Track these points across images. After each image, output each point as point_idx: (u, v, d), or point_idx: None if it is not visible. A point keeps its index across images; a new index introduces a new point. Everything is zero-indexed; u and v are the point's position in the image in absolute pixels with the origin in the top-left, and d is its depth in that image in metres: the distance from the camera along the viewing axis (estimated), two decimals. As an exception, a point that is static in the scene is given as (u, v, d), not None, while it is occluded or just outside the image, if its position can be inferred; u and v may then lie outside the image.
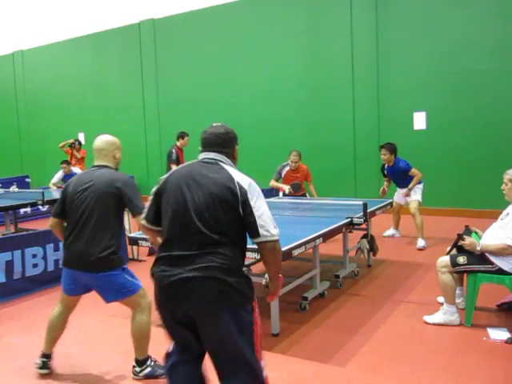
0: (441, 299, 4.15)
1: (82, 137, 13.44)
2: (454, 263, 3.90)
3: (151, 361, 3.34)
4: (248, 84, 10.74)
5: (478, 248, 3.80)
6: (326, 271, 5.06)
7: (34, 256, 5.26)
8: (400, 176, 6.81)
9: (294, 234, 4.10)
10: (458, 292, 4.08)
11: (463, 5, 8.41)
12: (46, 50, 14.14)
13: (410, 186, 6.71)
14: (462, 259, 3.89)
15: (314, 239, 3.97)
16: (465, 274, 4.02)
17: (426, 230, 6.66)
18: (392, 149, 6.76)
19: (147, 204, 2.51)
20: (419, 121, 8.91)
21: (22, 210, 9.34)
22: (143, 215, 2.53)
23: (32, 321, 4.45)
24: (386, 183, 7.11)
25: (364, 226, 5.19)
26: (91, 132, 13.10)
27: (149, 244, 4.18)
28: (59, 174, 8.93)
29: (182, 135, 8.24)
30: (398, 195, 7.00)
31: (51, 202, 7.56)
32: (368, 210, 4.79)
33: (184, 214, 2.24)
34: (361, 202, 4.90)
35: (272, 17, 10.32)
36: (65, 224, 3.28)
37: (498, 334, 3.70)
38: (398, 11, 8.97)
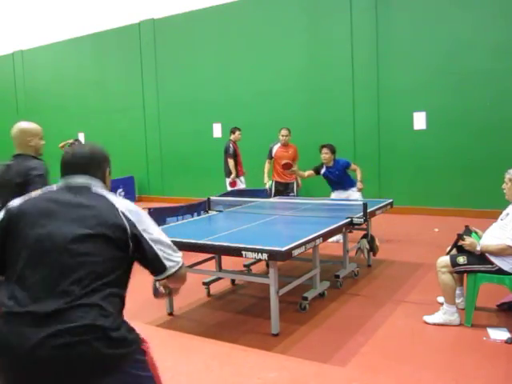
0: (441, 299, 4.15)
1: (82, 137, 13.44)
2: (453, 263, 3.90)
3: None
4: (248, 84, 10.74)
5: (478, 248, 3.80)
6: (325, 271, 5.06)
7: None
8: (340, 175, 6.81)
9: (294, 234, 4.10)
10: (458, 292, 4.08)
11: (463, 5, 8.41)
12: (46, 50, 14.14)
13: (359, 178, 6.79)
14: (461, 259, 3.89)
15: (313, 239, 3.97)
16: (465, 274, 4.02)
17: (426, 230, 6.65)
18: (333, 149, 6.82)
19: None
20: (419, 121, 8.91)
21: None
22: None
23: (32, 321, 4.44)
24: (308, 172, 7.05)
25: (364, 225, 5.19)
26: (91, 132, 13.14)
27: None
28: None
29: (233, 130, 8.85)
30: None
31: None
32: (368, 210, 4.79)
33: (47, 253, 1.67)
34: (361, 202, 4.90)
35: (272, 17, 10.32)
36: None
37: (498, 334, 3.70)
38: (398, 11, 8.97)
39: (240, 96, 10.83)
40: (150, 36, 12.06)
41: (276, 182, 7.77)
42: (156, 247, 1.88)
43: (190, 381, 3.25)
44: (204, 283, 4.92)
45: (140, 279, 4.84)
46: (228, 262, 5.04)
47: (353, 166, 6.88)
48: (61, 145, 10.40)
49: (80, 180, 1.88)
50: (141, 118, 12.49)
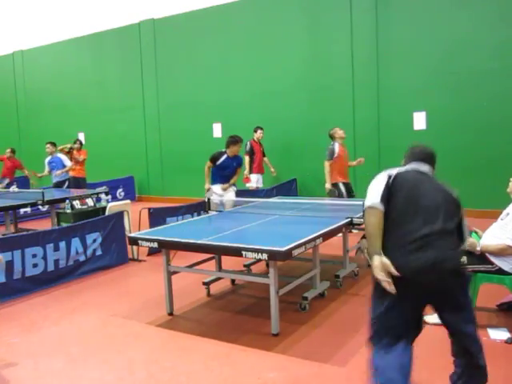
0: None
1: (82, 137, 13.44)
2: (454, 263, 3.90)
3: None
4: (248, 84, 10.74)
5: (478, 248, 3.80)
6: (325, 271, 5.05)
7: (34, 256, 5.26)
8: (232, 169, 6.95)
9: (294, 233, 4.10)
10: None
11: (463, 5, 8.41)
12: (46, 49, 14.14)
13: (231, 181, 6.92)
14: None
15: (314, 239, 3.96)
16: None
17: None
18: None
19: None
20: (419, 121, 8.90)
21: (22, 210, 9.35)
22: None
23: (32, 321, 4.45)
24: (207, 171, 7.06)
25: (364, 226, 5.18)
26: (91, 132, 13.14)
27: (148, 244, 4.17)
28: (46, 160, 9.57)
29: (254, 129, 9.58)
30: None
31: (51, 202, 7.57)
32: (368, 210, 4.77)
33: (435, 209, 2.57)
34: (361, 202, 4.89)
35: (272, 17, 10.32)
36: None
37: (498, 334, 3.70)
38: (398, 11, 8.97)
39: (240, 96, 10.83)
40: (150, 36, 12.06)
41: (343, 183, 7.62)
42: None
43: (190, 381, 3.25)
44: (204, 283, 4.92)
45: (140, 279, 4.85)
46: (228, 262, 5.04)
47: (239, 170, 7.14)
48: (60, 148, 10.40)
49: (425, 168, 2.86)
50: (141, 118, 12.49)
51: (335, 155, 7.54)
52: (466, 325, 2.63)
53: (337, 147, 7.60)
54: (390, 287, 2.42)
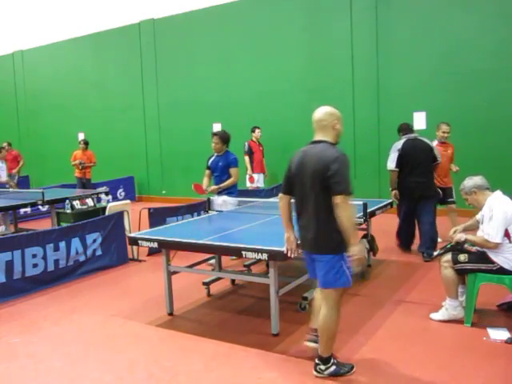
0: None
1: (81, 137, 13.45)
2: (455, 261, 3.95)
3: (334, 359, 3.17)
4: (248, 84, 10.74)
5: (463, 239, 3.95)
6: (326, 271, 5.05)
7: (34, 256, 5.26)
8: (222, 170, 6.01)
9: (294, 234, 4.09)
10: (460, 290, 4.10)
11: (463, 5, 8.41)
12: (46, 49, 14.14)
13: (221, 185, 5.92)
14: (462, 257, 3.93)
15: (313, 239, 3.96)
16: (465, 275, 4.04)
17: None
18: (224, 138, 6.06)
19: None
20: (419, 121, 8.90)
21: (22, 210, 9.34)
22: None
23: (32, 321, 4.45)
24: (206, 179, 6.16)
25: (364, 225, 5.18)
26: (91, 132, 13.14)
27: (148, 244, 4.17)
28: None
29: (252, 129, 9.66)
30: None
31: (51, 202, 7.57)
32: (368, 210, 4.79)
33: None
34: (361, 202, 4.89)
35: (272, 17, 10.32)
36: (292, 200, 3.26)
37: (498, 334, 3.70)
38: (398, 11, 8.97)
39: (240, 96, 10.83)
40: (150, 36, 12.06)
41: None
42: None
43: (190, 381, 3.25)
44: (204, 283, 4.92)
45: (140, 279, 4.86)
46: (228, 262, 5.04)
47: (234, 170, 6.01)
48: (73, 163, 10.41)
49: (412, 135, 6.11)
50: (141, 118, 12.49)
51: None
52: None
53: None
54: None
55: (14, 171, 10.77)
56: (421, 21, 8.78)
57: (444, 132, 6.64)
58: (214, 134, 6.12)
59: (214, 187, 5.96)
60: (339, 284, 3.01)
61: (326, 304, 3.06)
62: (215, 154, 6.15)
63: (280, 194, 3.30)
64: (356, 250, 2.87)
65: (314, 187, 2.98)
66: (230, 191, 6.02)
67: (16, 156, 11.13)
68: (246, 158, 9.34)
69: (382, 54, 9.15)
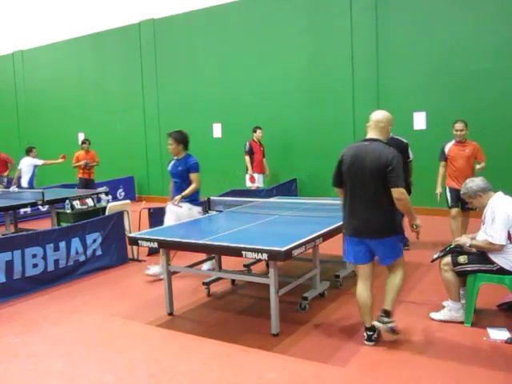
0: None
1: (81, 137, 13.44)
2: (454, 263, 3.94)
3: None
4: (248, 84, 10.74)
5: (468, 244, 3.92)
6: (326, 271, 5.06)
7: (34, 256, 5.26)
8: (182, 176, 5.42)
9: (294, 233, 4.10)
10: (462, 292, 4.09)
11: (463, 5, 8.41)
12: (46, 49, 14.14)
13: (184, 193, 5.30)
14: (462, 259, 3.93)
15: (313, 239, 3.97)
16: (465, 275, 4.04)
17: (426, 230, 6.62)
18: (180, 138, 5.44)
19: None
20: (419, 121, 8.90)
21: (22, 210, 9.34)
22: None
23: (32, 321, 4.45)
24: (171, 185, 5.68)
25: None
26: (91, 132, 13.13)
27: (148, 244, 4.17)
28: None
29: (253, 129, 9.57)
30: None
31: (51, 202, 7.56)
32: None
33: None
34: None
35: (272, 17, 10.32)
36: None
37: (498, 334, 3.70)
38: (398, 11, 8.97)
39: (240, 96, 10.83)
40: (150, 36, 12.06)
41: (451, 189, 6.24)
42: None
43: (190, 381, 3.25)
44: (204, 283, 4.92)
45: (140, 279, 4.87)
46: (228, 262, 5.04)
47: (195, 176, 5.38)
48: (75, 165, 10.33)
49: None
50: (141, 118, 12.49)
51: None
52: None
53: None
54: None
55: (5, 174, 10.80)
56: (421, 21, 8.78)
57: (457, 130, 6.27)
58: (169, 135, 5.50)
59: (177, 197, 5.29)
60: (401, 253, 3.72)
61: (402, 268, 3.72)
62: (175, 158, 5.54)
63: (336, 188, 3.78)
64: (418, 223, 3.61)
65: (375, 180, 3.47)
66: (193, 198, 5.43)
67: (3, 157, 11.04)
68: (247, 158, 9.33)
69: (382, 54, 9.16)
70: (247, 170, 9.38)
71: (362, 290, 3.72)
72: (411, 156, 6.30)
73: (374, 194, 3.48)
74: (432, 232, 7.15)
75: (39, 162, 9.72)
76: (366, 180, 3.48)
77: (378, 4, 9.09)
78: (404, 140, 6.21)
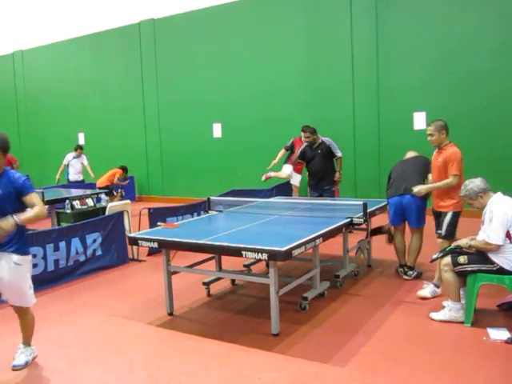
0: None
1: (81, 137, 13.45)
2: (454, 263, 3.94)
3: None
4: (248, 84, 10.74)
5: (467, 245, 3.93)
6: (325, 271, 5.06)
7: (34, 256, 5.25)
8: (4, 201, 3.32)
9: (294, 233, 4.10)
10: (462, 292, 4.09)
11: (463, 5, 8.41)
12: (46, 49, 14.14)
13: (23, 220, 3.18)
14: (462, 259, 3.93)
15: (313, 239, 3.97)
16: (465, 274, 4.05)
17: (426, 230, 6.62)
18: None
19: None
20: (419, 121, 8.90)
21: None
22: None
23: (32, 321, 4.44)
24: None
25: (364, 225, 5.18)
26: (91, 132, 13.15)
27: (148, 244, 4.18)
28: None
29: (302, 128, 8.48)
30: None
31: (51, 202, 7.56)
32: (368, 210, 4.79)
33: None
34: (361, 202, 4.89)
35: (272, 17, 10.32)
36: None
37: (498, 334, 3.70)
38: (398, 11, 8.97)
39: (240, 96, 10.83)
40: (150, 36, 12.06)
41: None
42: None
43: (190, 381, 3.25)
44: (204, 283, 4.92)
45: (140, 279, 4.85)
46: (228, 262, 5.04)
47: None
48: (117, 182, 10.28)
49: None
50: (141, 118, 12.49)
51: None
52: None
53: None
54: None
55: None
56: (421, 21, 8.78)
57: (427, 135, 4.74)
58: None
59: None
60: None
61: (421, 232, 5.15)
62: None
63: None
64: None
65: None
66: (19, 243, 3.31)
67: (10, 160, 11.05)
68: (282, 151, 9.02)
69: (382, 53, 9.16)
70: (269, 164, 8.96)
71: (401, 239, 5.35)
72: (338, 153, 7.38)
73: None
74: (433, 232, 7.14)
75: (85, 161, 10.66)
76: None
77: (378, 4, 9.09)
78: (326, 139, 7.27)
